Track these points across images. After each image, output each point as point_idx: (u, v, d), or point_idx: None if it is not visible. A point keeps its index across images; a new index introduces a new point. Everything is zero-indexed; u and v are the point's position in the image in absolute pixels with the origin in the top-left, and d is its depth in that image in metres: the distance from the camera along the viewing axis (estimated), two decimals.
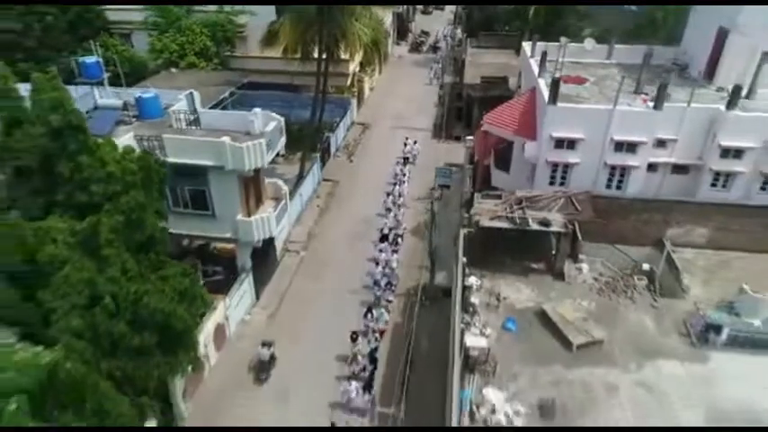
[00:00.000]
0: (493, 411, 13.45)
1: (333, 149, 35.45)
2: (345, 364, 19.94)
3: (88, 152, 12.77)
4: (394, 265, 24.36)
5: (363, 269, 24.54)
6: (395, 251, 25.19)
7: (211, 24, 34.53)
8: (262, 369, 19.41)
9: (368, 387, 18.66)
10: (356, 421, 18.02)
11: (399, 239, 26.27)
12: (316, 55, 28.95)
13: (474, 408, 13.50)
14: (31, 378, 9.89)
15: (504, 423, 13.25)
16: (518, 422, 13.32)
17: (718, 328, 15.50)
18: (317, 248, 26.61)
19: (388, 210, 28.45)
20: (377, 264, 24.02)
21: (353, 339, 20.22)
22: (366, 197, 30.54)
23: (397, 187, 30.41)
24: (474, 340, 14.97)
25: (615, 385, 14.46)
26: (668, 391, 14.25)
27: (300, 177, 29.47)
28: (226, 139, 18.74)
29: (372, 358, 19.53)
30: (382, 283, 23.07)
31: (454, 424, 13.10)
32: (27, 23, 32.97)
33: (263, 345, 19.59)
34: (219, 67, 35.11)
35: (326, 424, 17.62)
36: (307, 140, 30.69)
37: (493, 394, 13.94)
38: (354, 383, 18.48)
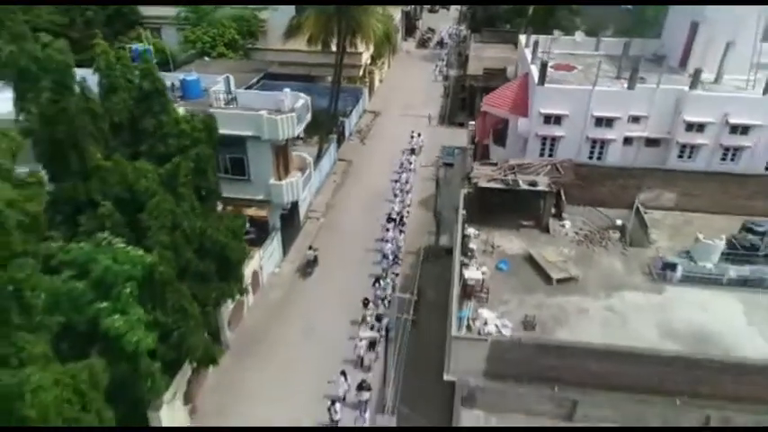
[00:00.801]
0: (485, 324, 16.71)
1: (347, 133, 38.81)
2: (357, 324, 22.14)
3: (166, 113, 16.20)
4: (401, 243, 26.90)
5: (374, 234, 27.71)
6: (401, 231, 27.72)
7: (238, 19, 37.95)
8: (308, 266, 25.53)
9: (373, 345, 20.98)
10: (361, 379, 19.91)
11: (405, 220, 28.84)
12: (333, 46, 32.39)
13: (470, 322, 16.77)
14: (138, 271, 13.27)
15: (494, 333, 16.51)
16: (506, 332, 16.56)
17: (673, 266, 18.72)
18: (335, 216, 30.01)
19: (395, 195, 31.00)
20: (385, 241, 26.75)
21: (365, 305, 22.61)
22: (377, 175, 33.87)
23: (404, 175, 32.98)
24: (471, 273, 18.22)
25: (586, 309, 17.68)
26: (629, 314, 17.44)
27: (319, 156, 32.83)
28: (263, 112, 22.14)
29: (379, 319, 21.84)
30: (390, 258, 25.76)
31: (454, 334, 16.29)
32: (72, 18, 36.56)
33: (310, 248, 25.77)
34: (245, 58, 38.51)
35: (341, 349, 20.71)
36: (324, 125, 34.05)
37: (486, 313, 17.21)
38: (364, 341, 20.76)
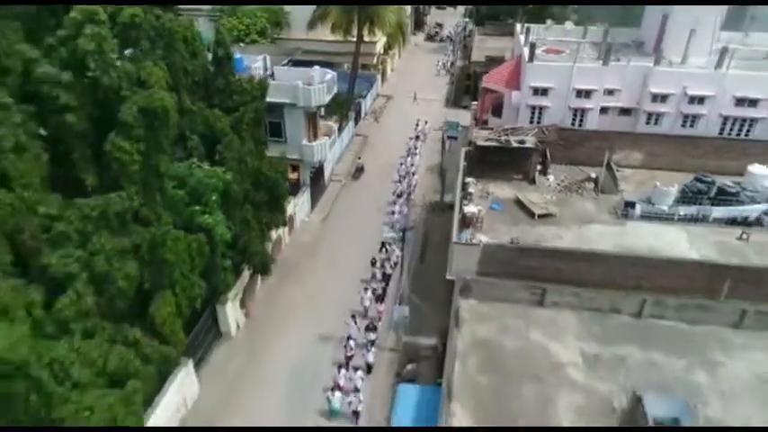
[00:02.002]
0: (479, 242, 21.21)
1: (363, 113, 43.44)
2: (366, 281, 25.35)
3: (232, 75, 20.86)
4: (405, 210, 30.36)
5: (385, 193, 32.21)
6: (407, 205, 31.23)
7: (267, 10, 42.70)
8: (356, 171, 33.83)
9: (380, 299, 23.86)
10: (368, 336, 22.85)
11: (411, 197, 32.23)
12: (352, 35, 37.03)
13: (468, 239, 21.28)
14: (220, 185, 17.91)
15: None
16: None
17: (633, 205, 23.16)
18: (354, 180, 34.64)
19: (402, 177, 34.36)
20: (392, 213, 30.60)
21: (373, 264, 26.01)
22: (389, 148, 38.46)
23: (409, 159, 36.38)
24: (470, 208, 22.75)
25: (561, 235, 22.13)
26: (595, 239, 21.84)
27: (339, 130, 37.44)
28: (299, 82, 26.77)
29: (385, 277, 25.52)
30: (397, 227, 29.29)
31: (455, 241, 20.48)
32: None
33: (358, 157, 33.98)
34: (272, 45, 43.20)
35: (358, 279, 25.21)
36: (343, 105, 38.66)
37: (480, 236, 21.73)
38: (370, 293, 23.78)
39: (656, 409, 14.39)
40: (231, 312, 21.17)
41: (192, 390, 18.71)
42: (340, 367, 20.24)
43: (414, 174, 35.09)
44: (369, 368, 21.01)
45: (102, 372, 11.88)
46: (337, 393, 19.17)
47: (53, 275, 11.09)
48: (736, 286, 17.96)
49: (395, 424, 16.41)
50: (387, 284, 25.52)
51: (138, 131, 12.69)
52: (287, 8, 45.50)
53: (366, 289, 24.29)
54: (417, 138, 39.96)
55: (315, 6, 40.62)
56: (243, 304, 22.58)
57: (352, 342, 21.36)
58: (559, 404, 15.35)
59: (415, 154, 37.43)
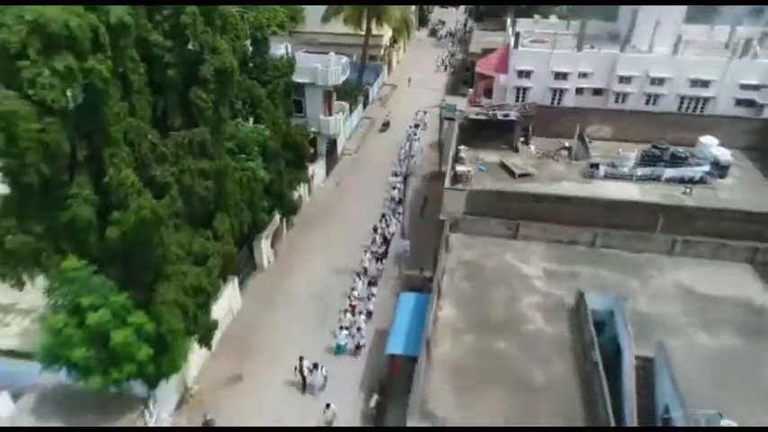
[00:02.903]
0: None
1: (371, 98, 48.20)
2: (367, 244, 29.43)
3: (266, 53, 25.66)
4: (402, 186, 34.47)
5: (389, 166, 36.89)
6: (405, 183, 36.18)
7: (286, 6, 47.57)
8: (384, 125, 40.93)
9: (381, 259, 27.49)
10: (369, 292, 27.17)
11: (410, 177, 36.82)
12: (362, 27, 41.80)
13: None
14: (261, 139, 22.66)
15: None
16: None
17: (597, 166, 27.77)
18: (362, 154, 39.44)
19: (401, 160, 37.22)
20: (394, 188, 34.68)
21: (374, 230, 30.30)
22: (395, 128, 43.19)
23: (408, 143, 39.40)
24: (461, 167, 27.42)
25: (538, 194, 26.77)
26: (564, 192, 26.49)
27: (350, 112, 42.20)
28: (318, 65, 31.55)
29: (386, 241, 29.48)
30: (396, 200, 33.49)
31: (447, 186, 25.13)
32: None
33: (388, 114, 39.26)
34: (289, 37, 48.03)
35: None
36: (353, 91, 43.40)
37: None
38: (369, 254, 27.08)
39: (595, 303, 19.00)
40: (264, 248, 25.96)
41: (237, 303, 23.51)
42: (345, 311, 23.74)
43: (413, 156, 39.07)
44: (369, 314, 24.28)
45: (189, 253, 16.51)
46: (343, 332, 22.67)
47: (158, 183, 15.70)
48: (669, 223, 22.55)
49: (395, 326, 20.93)
50: (387, 247, 29.02)
51: (212, 86, 17.25)
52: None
53: (366, 252, 27.70)
54: (417, 126, 43.86)
55: (325, 5, 45.77)
56: (272, 245, 27.34)
57: (356, 293, 25.04)
58: (523, 302, 20.01)
59: (415, 140, 40.63)
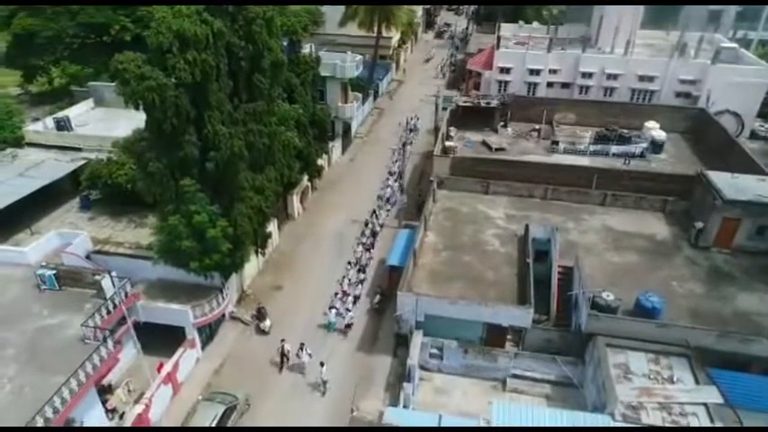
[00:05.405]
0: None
1: (380, 92, 55.84)
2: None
3: (299, 50, 33.38)
4: (395, 186, 41.76)
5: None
6: (400, 182, 41.57)
7: (308, 11, 55.31)
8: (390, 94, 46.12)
9: (369, 249, 31.94)
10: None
11: (402, 174, 43.26)
12: (373, 31, 49.41)
13: None
14: (296, 115, 30.30)
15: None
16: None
17: (558, 143, 35.11)
18: (372, 137, 47.11)
19: (394, 162, 42.95)
20: (387, 187, 40.38)
21: (366, 225, 35.28)
22: (400, 116, 50.78)
23: (401, 146, 45.87)
24: (449, 142, 34.90)
25: (506, 159, 34.23)
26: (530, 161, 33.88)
27: (363, 102, 49.83)
28: (337, 61, 39.23)
29: (373, 234, 34.76)
30: (386, 198, 39.00)
31: (435, 153, 32.70)
32: None
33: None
34: (311, 38, 55.78)
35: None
36: (365, 85, 51.05)
37: None
38: (361, 247, 31.44)
39: (536, 232, 26.42)
40: (296, 202, 33.74)
41: (275, 239, 31.29)
42: (336, 294, 27.67)
43: (407, 156, 42.51)
44: (355, 299, 27.83)
45: (252, 186, 24.12)
46: (333, 311, 26.35)
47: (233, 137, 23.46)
48: (602, 181, 29.88)
49: (393, 249, 28.27)
50: (374, 239, 33.10)
51: (268, 74, 24.77)
52: (323, 9, 58.07)
53: (359, 244, 32.20)
54: (411, 130, 48.53)
55: (344, 9, 53.35)
56: (301, 201, 35.07)
57: (347, 280, 29.18)
58: (487, 233, 27.49)
59: (409, 143, 44.48)
